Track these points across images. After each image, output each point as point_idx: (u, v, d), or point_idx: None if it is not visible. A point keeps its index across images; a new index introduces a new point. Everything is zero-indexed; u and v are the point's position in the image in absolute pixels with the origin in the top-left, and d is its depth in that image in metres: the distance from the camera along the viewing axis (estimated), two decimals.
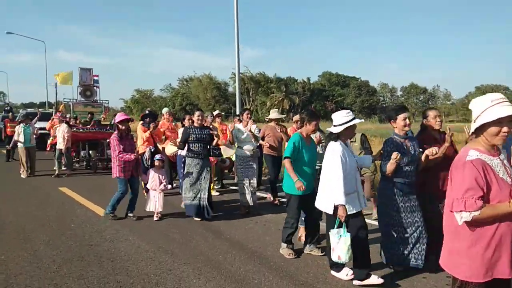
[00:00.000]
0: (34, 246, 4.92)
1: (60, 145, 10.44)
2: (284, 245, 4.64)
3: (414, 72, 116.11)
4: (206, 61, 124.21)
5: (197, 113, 6.21)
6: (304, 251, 4.68)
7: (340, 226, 3.68)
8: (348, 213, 3.68)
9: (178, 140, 6.66)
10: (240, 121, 7.16)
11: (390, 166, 3.83)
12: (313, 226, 4.70)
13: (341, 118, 3.81)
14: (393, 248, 4.02)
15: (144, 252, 4.70)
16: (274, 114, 7.19)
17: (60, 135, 10.44)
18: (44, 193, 8.32)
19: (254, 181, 6.51)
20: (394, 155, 3.73)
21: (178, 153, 7.07)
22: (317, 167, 4.84)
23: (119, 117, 6.18)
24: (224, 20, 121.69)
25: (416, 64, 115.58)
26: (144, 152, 7.17)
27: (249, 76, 57.35)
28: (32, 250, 4.76)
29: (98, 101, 16.33)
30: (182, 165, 6.86)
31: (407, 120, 3.94)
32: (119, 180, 6.03)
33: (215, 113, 8.81)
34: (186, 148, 6.24)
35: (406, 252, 3.96)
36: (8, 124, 14.41)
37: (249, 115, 6.82)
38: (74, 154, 11.69)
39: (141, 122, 8.04)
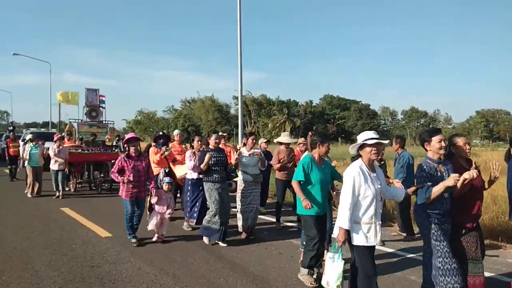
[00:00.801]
0: (36, 266, 4.91)
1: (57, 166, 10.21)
2: (304, 270, 4.47)
3: (415, 96, 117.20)
4: (208, 83, 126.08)
5: (214, 136, 6.09)
6: (299, 276, 4.57)
7: (337, 252, 3.55)
8: (356, 244, 3.42)
9: (191, 163, 6.44)
10: (245, 145, 7.10)
11: (438, 189, 3.45)
12: (317, 246, 4.48)
13: (362, 136, 3.56)
14: (441, 280, 3.53)
15: (146, 275, 4.69)
16: (285, 138, 6.88)
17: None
18: (46, 213, 8.31)
19: (255, 206, 6.39)
20: (455, 175, 3.36)
21: (187, 177, 7.00)
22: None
23: (126, 137, 6.17)
24: (226, 43, 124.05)
25: (417, 89, 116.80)
26: (158, 174, 7.16)
27: (251, 98, 57.88)
28: (33, 271, 4.75)
29: (104, 122, 16.40)
30: (189, 188, 6.88)
31: (442, 142, 3.64)
32: (123, 200, 5.98)
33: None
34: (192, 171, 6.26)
35: (456, 284, 3.51)
36: (10, 145, 14.18)
37: (253, 140, 6.69)
38: (77, 175, 11.62)
39: (154, 143, 7.93)
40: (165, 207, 6.09)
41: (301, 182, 4.43)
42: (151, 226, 6.03)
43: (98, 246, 5.83)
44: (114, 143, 15.38)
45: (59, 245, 5.88)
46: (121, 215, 8.13)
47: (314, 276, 4.46)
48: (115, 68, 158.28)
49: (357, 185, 3.38)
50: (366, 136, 3.50)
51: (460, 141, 3.88)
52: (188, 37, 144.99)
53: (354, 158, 3.71)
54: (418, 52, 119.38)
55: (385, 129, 71.20)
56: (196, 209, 6.79)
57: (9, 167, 14.04)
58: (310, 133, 5.06)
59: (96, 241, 6.14)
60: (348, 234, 3.42)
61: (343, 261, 3.49)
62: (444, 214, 3.61)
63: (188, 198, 6.91)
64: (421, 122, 71.17)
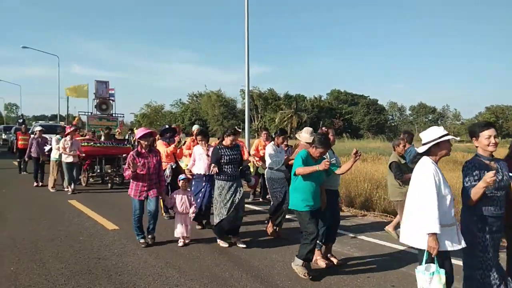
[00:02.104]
0: (43, 258, 4.97)
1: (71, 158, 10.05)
2: (299, 261, 4.47)
3: (423, 92, 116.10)
4: (217, 77, 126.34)
5: (231, 137, 5.70)
6: (292, 265, 4.56)
7: (431, 261, 3.05)
8: (441, 249, 3.05)
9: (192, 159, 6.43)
10: (271, 140, 6.67)
11: (477, 190, 3.12)
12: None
13: (434, 133, 3.26)
14: None
15: (151, 267, 4.72)
16: (307, 136, 5.70)
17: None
18: (55, 206, 8.40)
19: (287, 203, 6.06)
20: (490, 174, 3.02)
21: (194, 172, 6.69)
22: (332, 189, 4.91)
23: (140, 132, 5.71)
24: (236, 36, 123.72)
25: (426, 84, 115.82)
26: (165, 169, 6.91)
27: (257, 93, 57.76)
28: (41, 263, 4.81)
29: (114, 115, 16.23)
30: (193, 183, 6.80)
31: (492, 138, 3.23)
32: (132, 200, 5.62)
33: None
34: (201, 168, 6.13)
35: None
36: (20, 137, 14.06)
37: (284, 139, 6.57)
38: (87, 168, 11.34)
39: (160, 137, 7.75)
40: (188, 207, 5.74)
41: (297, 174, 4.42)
42: (178, 233, 5.67)
43: (105, 239, 5.88)
44: (126, 137, 15.21)
45: (67, 237, 5.94)
46: (128, 208, 8.20)
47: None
48: (124, 60, 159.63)
49: (437, 184, 3.09)
50: (440, 132, 3.24)
51: None
52: (198, 30, 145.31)
53: (417, 156, 3.40)
54: (427, 48, 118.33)
55: (393, 124, 70.75)
56: (199, 206, 6.43)
57: (18, 160, 13.99)
58: (323, 128, 5.01)
59: (103, 233, 6.20)
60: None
61: (443, 270, 3.02)
62: (497, 219, 3.22)
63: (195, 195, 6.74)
64: (430, 118, 70.60)
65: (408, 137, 6.52)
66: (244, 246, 5.59)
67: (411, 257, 5.31)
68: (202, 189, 6.52)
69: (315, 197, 4.49)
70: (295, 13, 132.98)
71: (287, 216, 6.45)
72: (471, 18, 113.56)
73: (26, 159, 12.11)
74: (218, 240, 5.72)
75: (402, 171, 5.96)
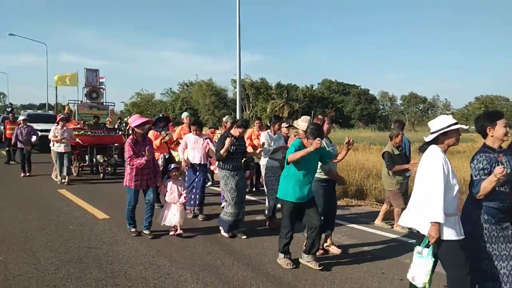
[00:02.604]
0: (33, 247, 4.93)
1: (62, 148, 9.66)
2: (281, 255, 4.57)
3: (414, 82, 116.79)
4: (208, 66, 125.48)
5: (240, 129, 5.59)
6: (300, 261, 4.60)
7: (427, 247, 3.11)
8: (445, 239, 3.04)
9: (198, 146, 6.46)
10: (267, 128, 6.53)
11: (487, 184, 3.06)
12: (314, 234, 4.44)
13: (443, 121, 3.19)
14: (484, 287, 3.24)
15: (142, 256, 4.71)
16: (304, 124, 5.38)
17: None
18: (44, 195, 8.32)
19: None
20: (499, 169, 2.94)
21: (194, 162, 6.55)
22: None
23: (136, 120, 5.51)
24: (226, 25, 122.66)
25: (416, 74, 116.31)
26: (158, 159, 6.83)
27: (249, 82, 57.49)
28: (30, 252, 4.77)
29: (104, 104, 15.99)
30: (186, 173, 6.71)
31: (507, 127, 3.16)
32: (128, 189, 5.46)
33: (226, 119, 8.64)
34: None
35: None
36: (8, 126, 13.64)
37: (280, 125, 6.57)
38: (78, 158, 10.96)
39: (153, 127, 7.53)
40: (177, 196, 5.61)
41: (288, 163, 4.40)
42: (167, 221, 5.54)
43: (95, 228, 5.84)
44: (116, 126, 15.02)
45: (56, 226, 5.89)
46: (119, 197, 8.16)
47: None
48: (114, 48, 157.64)
49: (445, 173, 3.05)
50: (448, 121, 3.16)
51: None
52: (189, 18, 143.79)
53: (424, 146, 3.27)
54: (418, 38, 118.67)
55: (384, 114, 71.08)
56: (194, 196, 6.51)
57: (7, 149, 13.59)
58: (319, 116, 4.97)
59: (93, 223, 6.16)
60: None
61: (433, 259, 3.08)
62: (502, 211, 3.19)
63: (186, 184, 6.54)
64: (420, 108, 71.06)
65: (399, 126, 6.56)
66: (245, 237, 5.55)
67: (402, 245, 5.38)
68: (195, 183, 6.50)
69: (305, 188, 4.42)
70: (286, 2, 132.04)
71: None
72: (462, 8, 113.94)
73: (11, 149, 11.90)
74: (222, 231, 5.65)
75: (394, 162, 6.00)
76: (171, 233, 5.57)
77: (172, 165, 5.89)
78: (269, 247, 5.13)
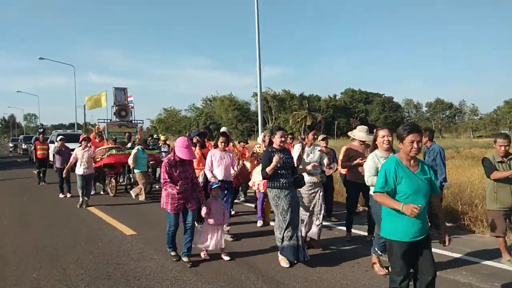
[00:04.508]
0: (64, 264, 5.08)
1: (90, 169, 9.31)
2: None
3: (440, 87, 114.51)
4: (230, 81, 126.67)
5: (279, 133, 5.07)
6: None
7: None
8: None
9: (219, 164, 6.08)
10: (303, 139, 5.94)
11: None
12: None
13: None
14: None
15: (169, 271, 4.78)
16: (362, 134, 5.62)
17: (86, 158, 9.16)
18: (74, 212, 8.56)
19: (321, 209, 5.49)
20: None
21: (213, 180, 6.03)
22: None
23: (182, 150, 4.96)
24: (246, 38, 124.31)
25: (442, 79, 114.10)
26: (198, 177, 6.30)
27: (271, 94, 57.74)
28: (61, 269, 4.92)
29: (133, 121, 16.14)
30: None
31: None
32: (167, 213, 5.14)
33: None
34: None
35: None
36: (38, 147, 13.48)
37: (314, 135, 5.66)
38: (114, 176, 10.75)
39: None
40: (222, 217, 5.24)
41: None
42: (212, 246, 5.15)
43: (123, 244, 5.97)
44: (148, 143, 15.03)
45: (86, 243, 6.05)
46: (146, 213, 8.33)
47: None
48: (139, 68, 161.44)
49: None
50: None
51: None
52: (211, 36, 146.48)
53: None
54: (444, 42, 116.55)
55: (410, 121, 69.83)
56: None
57: (37, 170, 13.57)
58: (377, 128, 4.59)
59: (121, 239, 6.29)
60: None
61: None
62: None
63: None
64: (447, 114, 69.43)
65: (429, 134, 6.36)
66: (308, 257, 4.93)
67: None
68: (224, 200, 5.93)
69: (417, 222, 3.12)
70: (308, 16, 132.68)
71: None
72: (485, 5, 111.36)
73: (41, 170, 12.06)
74: (281, 260, 4.97)
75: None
76: (202, 255, 5.24)
77: (215, 184, 5.51)
78: (293, 262, 5.10)
